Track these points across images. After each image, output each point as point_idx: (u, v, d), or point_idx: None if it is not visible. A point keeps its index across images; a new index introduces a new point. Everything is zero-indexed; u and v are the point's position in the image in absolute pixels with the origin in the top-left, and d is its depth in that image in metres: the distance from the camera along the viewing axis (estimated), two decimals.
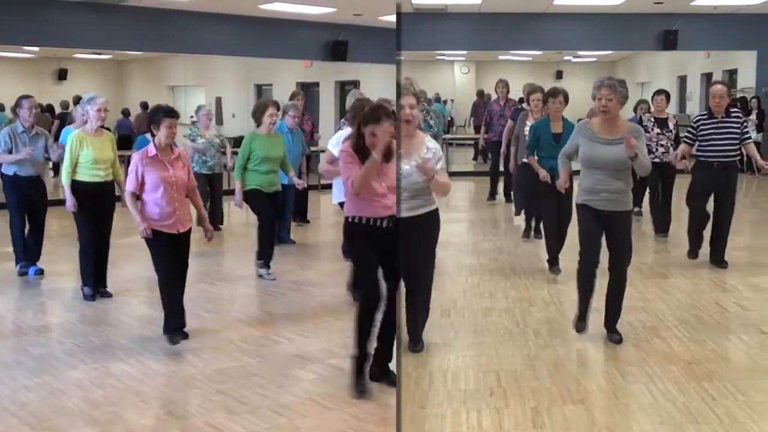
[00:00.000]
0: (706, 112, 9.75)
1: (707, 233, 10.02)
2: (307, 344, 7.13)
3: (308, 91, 21.50)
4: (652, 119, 11.67)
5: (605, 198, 6.84)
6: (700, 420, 5.41)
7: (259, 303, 8.83)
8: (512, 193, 14.55)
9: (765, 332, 7.30)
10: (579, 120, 9.28)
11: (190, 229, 7.39)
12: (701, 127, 9.57)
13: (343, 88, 22.10)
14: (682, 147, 9.96)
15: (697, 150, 9.70)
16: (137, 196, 7.15)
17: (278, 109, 9.90)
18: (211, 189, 12.65)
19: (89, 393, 6.07)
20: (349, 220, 6.06)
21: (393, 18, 19.38)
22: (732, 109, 9.72)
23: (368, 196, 5.93)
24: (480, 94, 23.69)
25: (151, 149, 7.14)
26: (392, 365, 6.16)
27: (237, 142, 17.39)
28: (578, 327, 7.25)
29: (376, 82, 21.20)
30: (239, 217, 13.67)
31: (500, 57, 24.70)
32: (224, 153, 13.04)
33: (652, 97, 12.20)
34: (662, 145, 11.50)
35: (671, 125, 11.64)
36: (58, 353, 7.04)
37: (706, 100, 9.73)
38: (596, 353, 6.93)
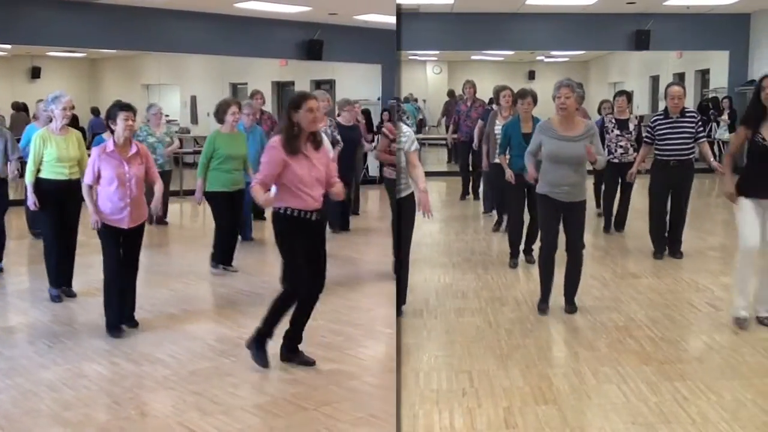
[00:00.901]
0: (662, 113, 10.11)
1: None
2: (281, 344, 7.06)
3: (283, 90, 21.48)
4: (613, 120, 11.89)
5: (566, 191, 7.58)
6: (672, 420, 5.43)
7: (233, 302, 8.76)
8: (480, 191, 14.76)
9: (736, 332, 7.31)
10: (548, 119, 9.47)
11: (141, 227, 7.58)
12: (657, 127, 9.96)
13: (319, 87, 22.04)
14: (644, 148, 10.39)
15: (655, 149, 10.08)
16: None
17: (240, 108, 10.07)
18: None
19: (61, 394, 6.01)
20: (280, 211, 6.22)
21: (368, 17, 19.51)
22: (687, 110, 10.06)
23: (298, 186, 6.14)
24: (451, 94, 23.68)
25: (110, 145, 7.33)
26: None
27: None
28: (540, 308, 7.94)
29: (351, 82, 21.23)
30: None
31: (473, 57, 24.72)
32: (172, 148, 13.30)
33: (614, 98, 12.41)
34: (621, 146, 11.75)
35: (631, 126, 11.85)
36: (29, 354, 6.97)
37: (665, 99, 10.04)
38: (569, 353, 6.96)
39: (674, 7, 19.68)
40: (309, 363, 6.48)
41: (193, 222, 13.65)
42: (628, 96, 12.36)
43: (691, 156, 9.99)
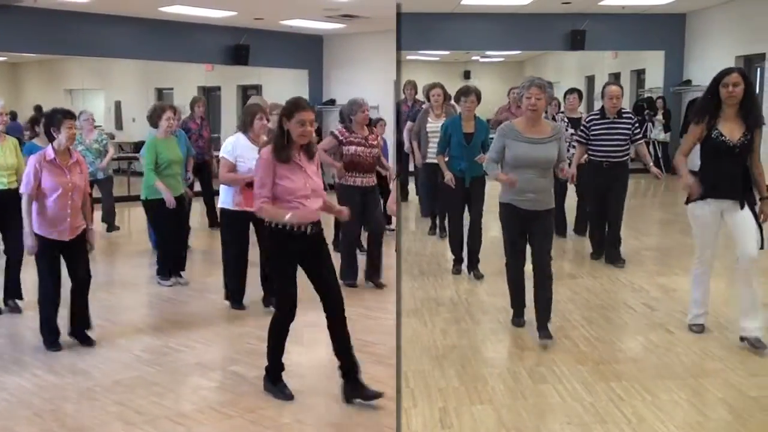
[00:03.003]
0: (598, 112, 9.99)
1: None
2: (207, 352, 7.09)
3: (210, 96, 21.41)
4: (566, 119, 11.57)
5: (531, 198, 7.05)
6: (608, 420, 5.48)
7: (159, 311, 8.72)
8: (417, 193, 14.69)
9: (672, 332, 7.42)
10: (487, 120, 9.34)
11: (83, 234, 7.31)
12: (593, 127, 9.86)
13: (246, 92, 22.13)
14: (579, 148, 10.13)
15: (588, 150, 9.98)
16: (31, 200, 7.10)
17: (175, 113, 9.85)
18: (101, 194, 12.78)
19: None
20: (272, 226, 5.79)
21: (294, 23, 19.62)
22: (624, 111, 9.98)
23: (290, 198, 5.75)
24: None
25: (50, 153, 7.06)
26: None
27: (137, 146, 17.16)
28: (516, 323, 7.62)
29: (278, 87, 21.20)
30: (138, 224, 13.52)
31: (408, 57, 24.75)
32: (123, 158, 12.89)
33: (565, 96, 12.13)
34: (574, 147, 11.18)
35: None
36: None
37: (602, 99, 9.93)
38: (504, 354, 7.02)
39: (609, 7, 19.91)
40: (376, 396, 5.85)
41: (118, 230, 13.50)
42: (579, 94, 12.12)
43: (625, 158, 9.92)
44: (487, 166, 7.44)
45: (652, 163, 10.01)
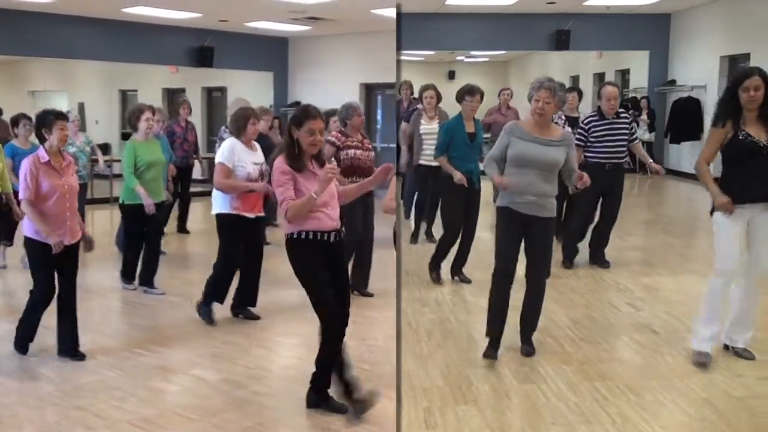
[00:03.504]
0: (595, 114, 9.90)
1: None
2: (170, 355, 7.08)
3: (174, 97, 21.38)
4: (563, 117, 11.13)
5: (531, 202, 6.62)
6: (593, 420, 5.48)
7: (122, 315, 8.72)
8: (402, 196, 14.47)
9: (657, 332, 7.45)
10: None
11: (79, 241, 7.15)
12: (592, 129, 9.77)
13: (210, 94, 22.27)
14: (578, 152, 9.48)
15: (587, 151, 9.84)
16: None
17: (154, 114, 9.67)
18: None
19: None
20: (294, 236, 5.68)
21: (259, 24, 19.72)
22: (620, 111, 9.95)
23: (311, 208, 5.64)
24: None
25: (43, 155, 6.90)
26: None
27: (101, 149, 17.02)
28: (488, 354, 6.71)
29: (243, 89, 21.29)
30: (101, 227, 13.47)
31: None
32: (96, 160, 12.63)
33: (564, 95, 11.79)
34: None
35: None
36: None
37: (598, 100, 9.76)
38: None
39: (594, 7, 20.01)
40: (341, 410, 5.75)
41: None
42: (579, 93, 11.83)
43: (625, 158, 9.94)
44: (487, 165, 6.94)
45: (651, 161, 9.98)
